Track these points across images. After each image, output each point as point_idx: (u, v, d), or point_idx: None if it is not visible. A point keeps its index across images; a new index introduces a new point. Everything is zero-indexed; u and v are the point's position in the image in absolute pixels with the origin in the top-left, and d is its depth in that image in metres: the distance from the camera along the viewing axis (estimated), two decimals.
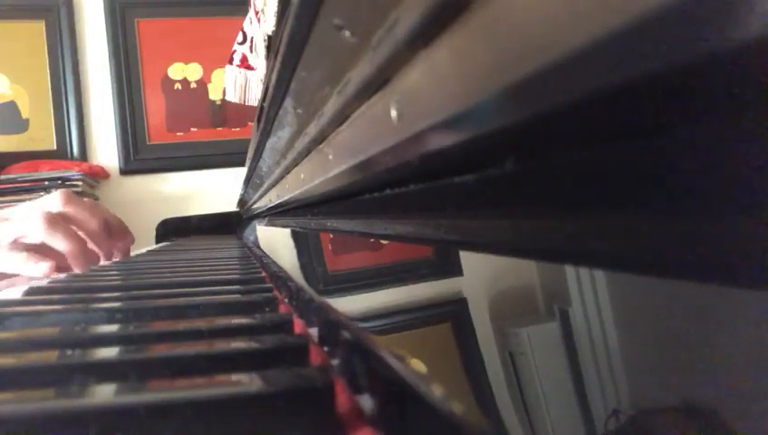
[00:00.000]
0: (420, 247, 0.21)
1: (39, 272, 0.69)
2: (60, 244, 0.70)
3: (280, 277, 0.50)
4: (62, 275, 0.60)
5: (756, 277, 0.07)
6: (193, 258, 0.80)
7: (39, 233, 0.70)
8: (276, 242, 0.71)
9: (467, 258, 0.17)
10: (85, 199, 0.81)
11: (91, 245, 0.77)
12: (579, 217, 0.10)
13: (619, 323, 0.10)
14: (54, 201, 0.74)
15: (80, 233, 0.75)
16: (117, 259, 0.84)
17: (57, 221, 0.71)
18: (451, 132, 0.13)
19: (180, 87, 2.28)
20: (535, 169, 0.11)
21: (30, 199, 0.79)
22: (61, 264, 0.74)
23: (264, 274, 0.57)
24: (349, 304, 0.30)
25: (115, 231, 0.84)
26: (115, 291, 0.47)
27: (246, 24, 1.40)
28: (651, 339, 0.10)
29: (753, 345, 0.07)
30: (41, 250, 0.71)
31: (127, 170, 2.21)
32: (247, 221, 1.42)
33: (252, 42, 1.39)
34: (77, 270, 0.72)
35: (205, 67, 2.29)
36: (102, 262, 0.81)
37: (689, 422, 0.09)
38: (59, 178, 1.93)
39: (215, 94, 2.29)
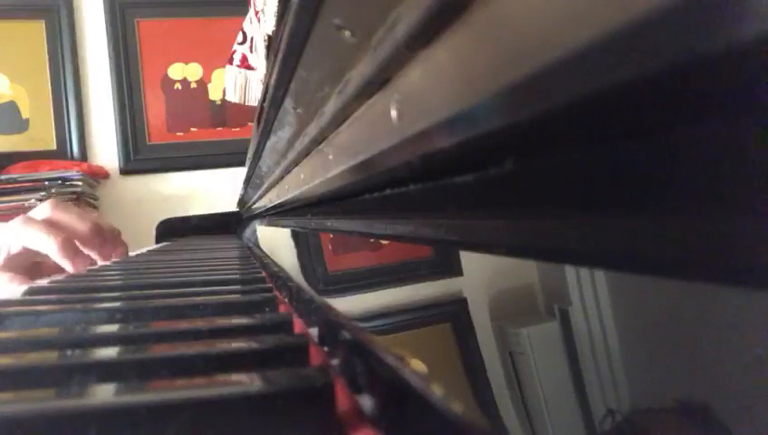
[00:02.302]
0: (420, 247, 0.21)
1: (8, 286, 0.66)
2: (38, 242, 0.66)
3: (280, 277, 0.50)
4: (62, 276, 0.60)
5: (756, 277, 0.07)
6: (193, 258, 0.80)
7: (16, 239, 0.67)
8: (276, 242, 0.71)
9: (467, 258, 0.17)
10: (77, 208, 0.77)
11: (81, 247, 0.73)
12: (579, 217, 0.10)
13: (619, 323, 0.10)
14: (41, 209, 0.72)
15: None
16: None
17: (33, 221, 0.68)
18: (451, 132, 0.13)
19: (180, 87, 2.28)
20: (535, 169, 0.11)
21: (29, 200, 0.77)
22: (43, 271, 0.70)
23: (264, 274, 0.57)
24: (349, 304, 0.30)
25: (109, 239, 0.79)
26: (115, 291, 0.47)
27: (246, 24, 1.40)
28: (651, 339, 0.10)
29: (752, 345, 0.07)
30: (22, 264, 0.68)
31: (127, 170, 2.21)
32: (247, 221, 1.42)
33: (252, 42, 1.39)
34: (68, 268, 0.68)
35: (205, 67, 2.29)
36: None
37: (686, 422, 0.09)
38: (59, 178, 1.93)
39: (215, 94, 2.29)
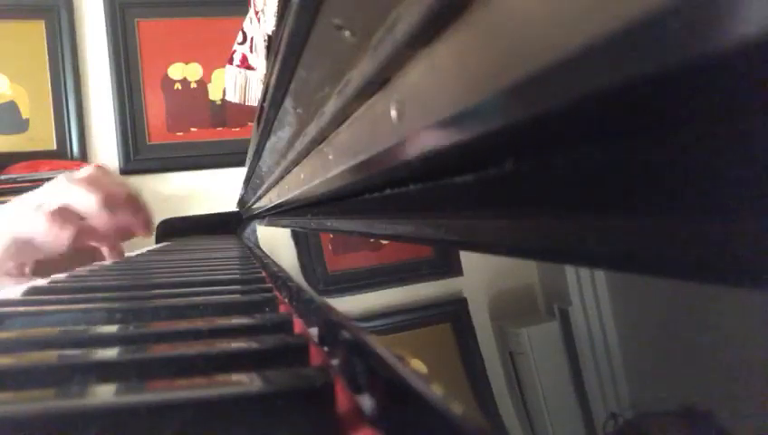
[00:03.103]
0: (420, 247, 0.21)
1: (61, 240, 0.70)
2: (81, 197, 0.72)
3: (280, 277, 0.50)
4: (62, 275, 0.60)
5: (756, 277, 0.07)
6: (193, 258, 0.80)
7: (58, 193, 0.72)
8: (276, 242, 0.71)
9: (467, 258, 0.17)
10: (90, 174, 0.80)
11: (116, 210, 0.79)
12: (579, 217, 0.10)
13: (619, 323, 0.10)
14: (82, 170, 0.77)
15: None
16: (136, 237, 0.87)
17: (78, 180, 0.74)
18: (451, 132, 0.13)
19: (180, 87, 2.28)
20: (535, 169, 0.11)
21: None
22: (84, 233, 0.76)
23: (264, 274, 0.57)
24: (349, 304, 0.30)
25: (141, 208, 0.85)
26: (115, 291, 0.47)
27: (246, 24, 1.40)
28: (651, 339, 0.10)
29: (752, 346, 0.07)
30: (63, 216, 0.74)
31: (127, 170, 2.21)
32: (247, 221, 1.42)
33: (252, 42, 1.39)
34: (105, 221, 0.74)
35: (205, 67, 2.29)
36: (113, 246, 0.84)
37: (685, 422, 0.09)
38: None
39: (215, 94, 2.29)
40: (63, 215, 0.72)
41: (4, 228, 0.71)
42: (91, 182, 0.74)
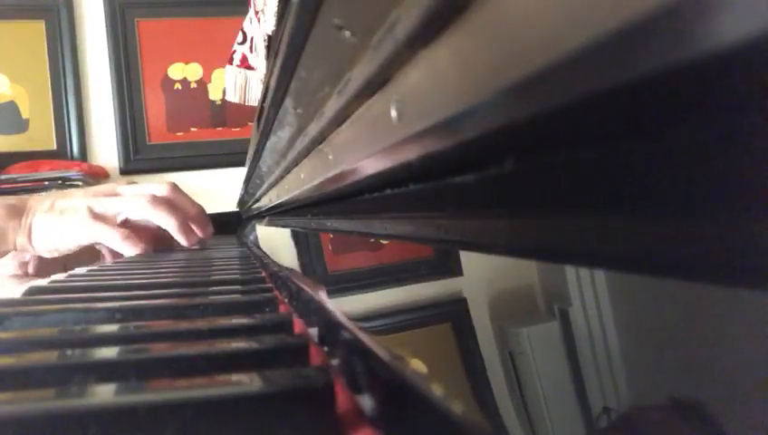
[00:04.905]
0: (420, 247, 0.21)
1: (131, 252, 0.81)
2: (162, 219, 0.84)
3: (280, 277, 0.50)
4: (62, 275, 0.60)
5: (756, 277, 0.07)
6: (193, 258, 0.80)
7: (143, 211, 0.83)
8: (276, 242, 0.71)
9: (467, 258, 0.17)
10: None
11: (192, 225, 0.90)
12: (579, 217, 0.10)
13: (619, 323, 0.10)
14: (161, 188, 0.88)
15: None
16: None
17: (160, 201, 0.85)
18: (451, 132, 0.13)
19: (180, 87, 2.28)
20: (535, 169, 0.11)
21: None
22: (154, 246, 0.87)
23: (264, 274, 0.57)
24: (349, 304, 0.30)
25: (208, 222, 0.97)
26: (115, 291, 0.47)
27: (246, 24, 1.40)
28: (651, 339, 0.10)
29: (752, 345, 0.07)
30: (139, 232, 0.83)
31: (127, 170, 2.21)
32: (247, 221, 1.42)
33: (252, 42, 1.39)
34: (183, 242, 0.87)
35: (205, 67, 2.29)
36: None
37: (685, 422, 0.09)
38: (59, 178, 1.93)
39: (215, 94, 2.29)
40: (140, 228, 0.84)
41: (84, 230, 0.80)
42: (171, 204, 0.86)
